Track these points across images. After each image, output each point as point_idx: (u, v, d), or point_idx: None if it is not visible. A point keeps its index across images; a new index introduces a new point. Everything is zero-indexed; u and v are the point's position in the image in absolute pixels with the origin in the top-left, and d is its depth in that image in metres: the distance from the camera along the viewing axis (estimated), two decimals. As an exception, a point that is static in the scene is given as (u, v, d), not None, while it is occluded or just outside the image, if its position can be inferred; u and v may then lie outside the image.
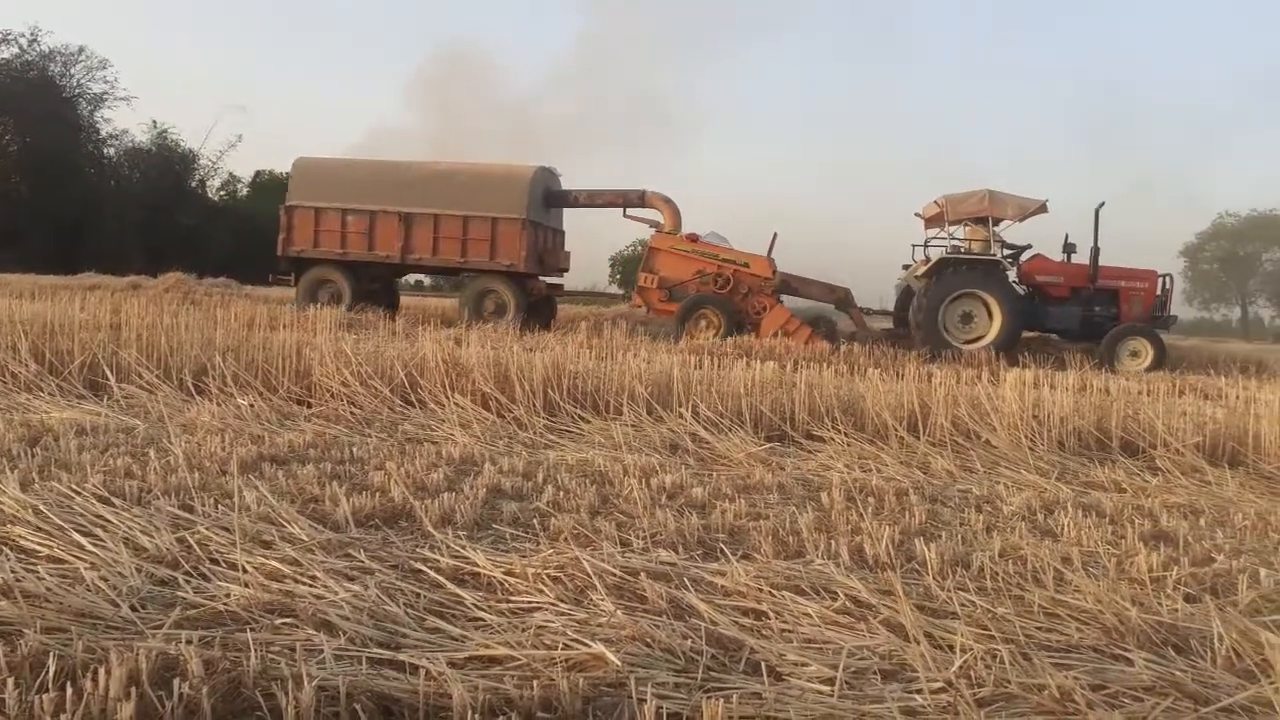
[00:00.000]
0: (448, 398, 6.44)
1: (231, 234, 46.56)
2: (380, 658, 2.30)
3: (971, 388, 6.98)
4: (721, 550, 3.36)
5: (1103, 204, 15.68)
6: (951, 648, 2.45)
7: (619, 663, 2.29)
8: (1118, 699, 2.24)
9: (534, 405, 6.38)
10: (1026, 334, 16.34)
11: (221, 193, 54.39)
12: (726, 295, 15.60)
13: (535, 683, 2.15)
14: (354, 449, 5.01)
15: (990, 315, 15.47)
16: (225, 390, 6.48)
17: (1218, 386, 10.30)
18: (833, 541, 3.52)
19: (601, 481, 4.54)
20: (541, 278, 17.36)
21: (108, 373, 6.57)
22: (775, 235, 16.36)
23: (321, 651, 2.28)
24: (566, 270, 18.62)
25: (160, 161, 49.45)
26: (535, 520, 3.70)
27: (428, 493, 4.07)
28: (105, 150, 49.79)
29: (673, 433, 5.93)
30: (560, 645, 2.40)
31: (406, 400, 6.61)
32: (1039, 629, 2.69)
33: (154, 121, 50.68)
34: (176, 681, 2.01)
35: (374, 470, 4.47)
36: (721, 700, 2.06)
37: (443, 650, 2.37)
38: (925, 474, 5.26)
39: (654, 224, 16.73)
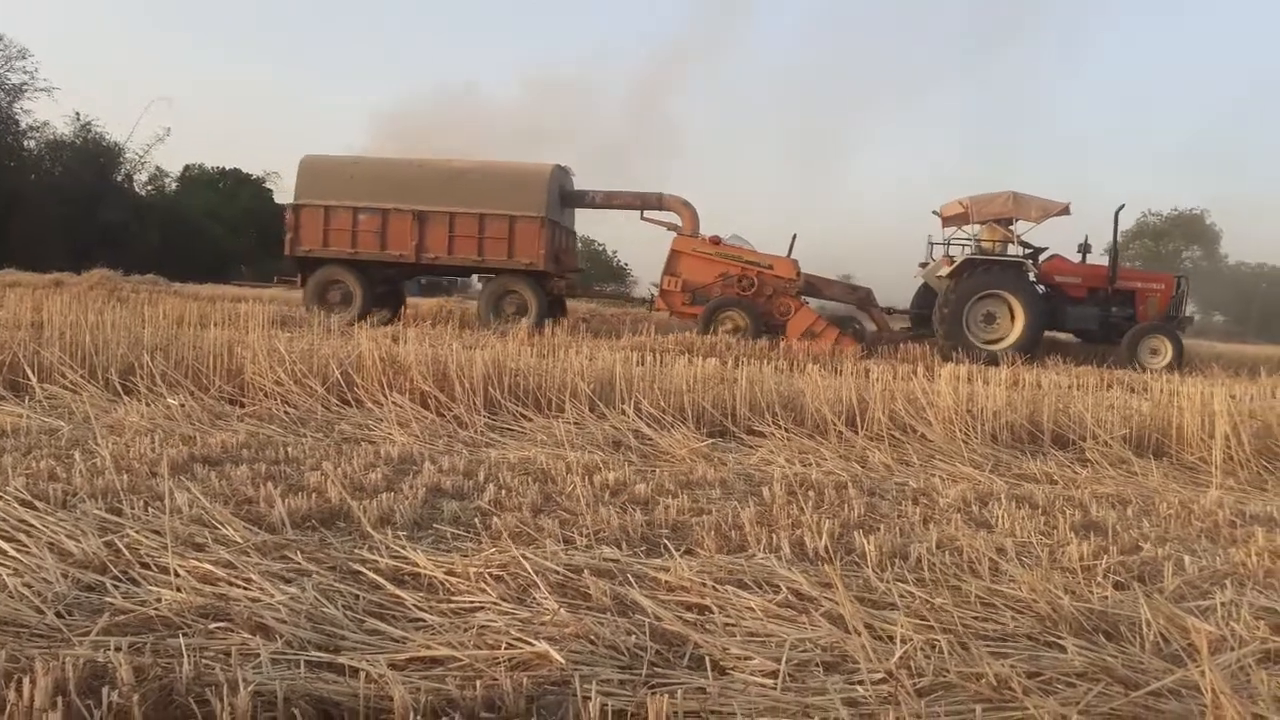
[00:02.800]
0: (385, 396, 6.35)
1: (160, 230, 45.30)
2: (319, 661, 2.26)
3: (908, 383, 7.10)
4: (665, 546, 3.36)
5: (1123, 206, 16.13)
6: (891, 638, 2.49)
7: (563, 661, 2.28)
8: (1052, 685, 2.29)
9: (474, 403, 6.32)
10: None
11: (149, 187, 52.84)
12: (750, 298, 15.54)
13: (478, 683, 2.13)
14: (289, 449, 4.91)
15: (1013, 316, 15.64)
16: (154, 390, 6.30)
17: (1143, 380, 10.64)
18: (774, 535, 3.55)
19: (544, 479, 4.52)
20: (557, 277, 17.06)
21: (29, 372, 6.34)
22: (795, 236, 16.33)
23: (257, 655, 2.23)
24: (580, 270, 18.28)
25: (84, 155, 47.84)
26: (477, 519, 3.67)
27: (366, 493, 4.00)
28: (25, 143, 48.05)
29: (615, 429, 5.92)
30: (503, 644, 2.38)
31: (343, 399, 6.50)
32: (976, 618, 2.74)
33: (77, 114, 48.94)
34: (106, 690, 1.95)
35: (310, 470, 4.38)
36: (666, 696, 2.05)
37: (383, 652, 2.33)
38: (863, 468, 5.33)
39: (672, 227, 16.54)
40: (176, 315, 9.87)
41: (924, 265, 17.61)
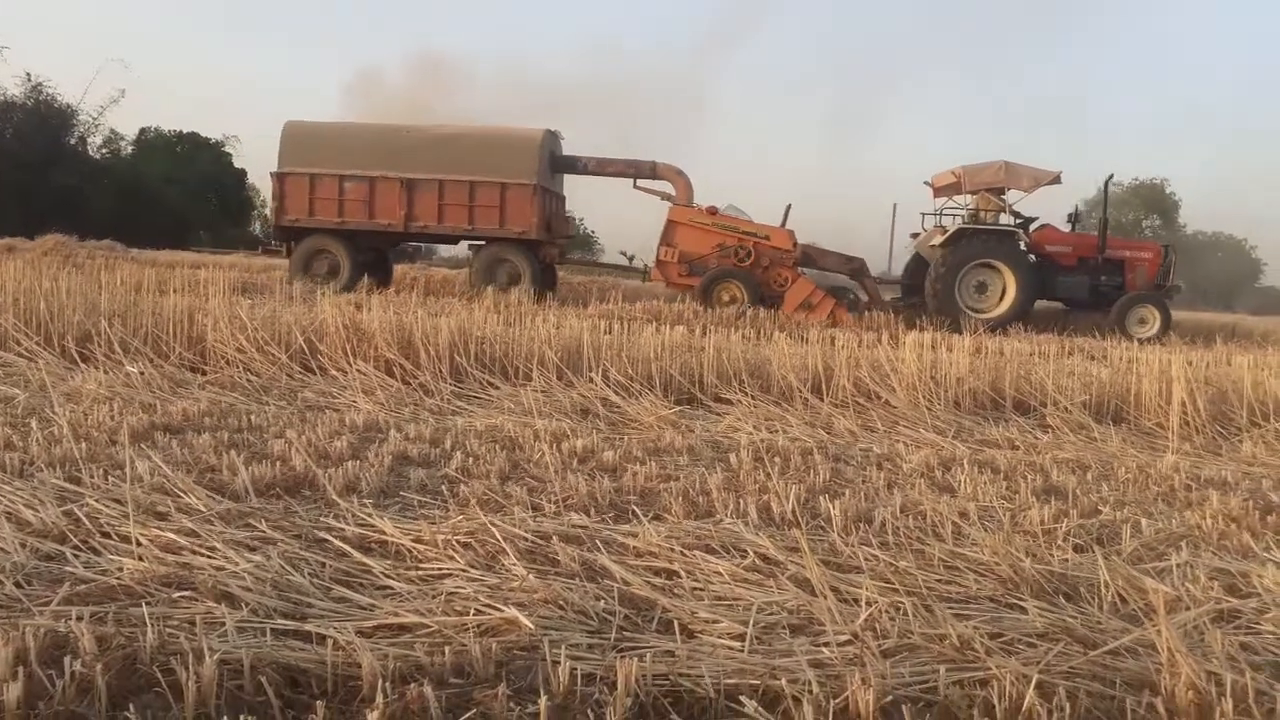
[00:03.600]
0: (349, 364, 6.28)
1: (115, 194, 44.26)
2: (285, 629, 2.24)
3: (872, 350, 7.15)
4: (633, 512, 3.37)
5: (1111, 176, 16.22)
6: (857, 601, 2.52)
7: (532, 626, 2.28)
8: (1014, 646, 2.34)
9: (440, 371, 6.28)
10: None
11: (104, 151, 51.51)
12: (748, 268, 15.39)
13: (447, 649, 2.12)
14: (252, 417, 4.85)
15: (1004, 285, 15.70)
16: (112, 357, 6.19)
17: (1103, 348, 10.81)
18: (741, 501, 3.57)
19: (511, 447, 4.51)
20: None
21: (-18, 340, 6.21)
22: (789, 207, 16.18)
23: (223, 624, 2.21)
24: (572, 237, 17.89)
25: (35, 117, 46.43)
26: (444, 487, 3.65)
27: (331, 461, 3.97)
28: (-27, 105, 46.63)
29: (583, 397, 5.91)
30: (472, 611, 2.38)
31: (306, 367, 6.43)
32: (939, 581, 2.78)
33: (28, 74, 47.37)
34: (68, 659, 1.92)
35: (274, 438, 4.33)
36: (635, 659, 2.07)
37: (350, 619, 2.32)
38: (829, 434, 5.37)
39: (666, 196, 16.31)
40: (134, 281, 9.69)
41: (915, 236, 17.66)
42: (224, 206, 52.25)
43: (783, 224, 15.96)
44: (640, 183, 16.67)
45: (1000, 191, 16.21)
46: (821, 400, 6.14)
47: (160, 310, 6.89)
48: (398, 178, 15.93)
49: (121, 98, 50.82)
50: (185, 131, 54.89)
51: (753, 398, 6.06)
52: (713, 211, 15.87)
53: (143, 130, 53.99)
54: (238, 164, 54.09)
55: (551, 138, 16.67)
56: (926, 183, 17.39)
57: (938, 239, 16.14)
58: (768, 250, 15.57)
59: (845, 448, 5.01)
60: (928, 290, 15.99)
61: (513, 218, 15.87)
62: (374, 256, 17.43)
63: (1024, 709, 1.96)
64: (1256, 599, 2.74)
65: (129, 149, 53.00)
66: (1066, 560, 3.00)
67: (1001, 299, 15.71)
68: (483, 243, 16.49)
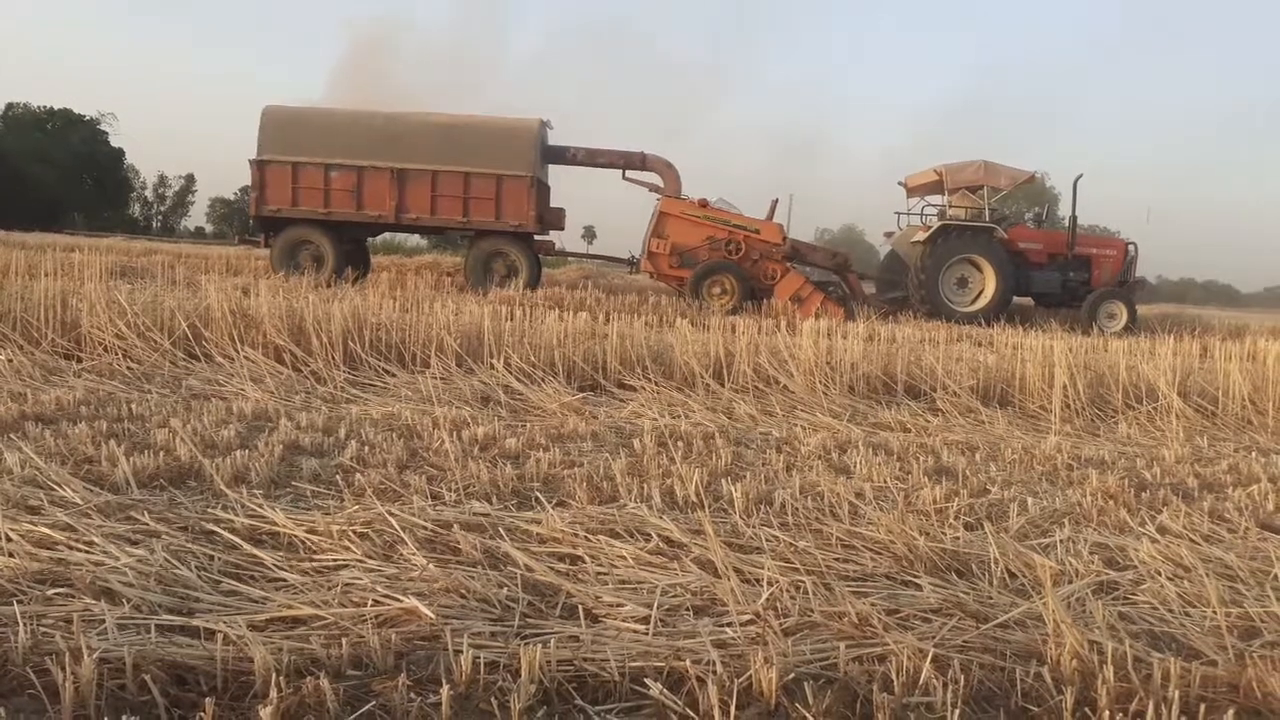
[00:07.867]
0: (237, 351, 6.06)
1: (-21, 174, 41.77)
2: (171, 624, 2.14)
3: (771, 337, 7.26)
4: (536, 498, 3.34)
5: (1080, 176, 16.73)
6: (759, 581, 2.55)
7: (433, 615, 2.23)
8: (909, 621, 2.40)
9: (333, 358, 6.11)
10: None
11: (-35, 127, 48.55)
12: (738, 261, 15.27)
13: (344, 641, 2.06)
14: (133, 406, 4.63)
15: (985, 280, 16.05)
16: (-23, 344, 5.81)
17: (989, 335, 11.23)
18: (645, 485, 3.57)
19: (409, 435, 4.41)
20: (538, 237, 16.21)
21: None
22: (775, 201, 16.06)
23: (102, 621, 2.09)
24: (563, 229, 17.43)
25: (-113, 89, 43.49)
26: (338, 476, 3.55)
27: (218, 451, 3.81)
28: None
29: (484, 384, 5.83)
30: (370, 601, 2.31)
31: (190, 354, 6.17)
32: (837, 560, 2.83)
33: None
34: (-73, 664, 1.79)
35: (157, 428, 4.14)
36: (539, 646, 2.04)
37: (241, 613, 2.23)
38: (730, 418, 5.43)
39: (654, 188, 16.03)
40: (1, 265, 9.14)
41: (889, 234, 18.10)
42: (100, 187, 49.81)
43: (769, 217, 16.01)
44: (629, 174, 16.43)
45: (976, 189, 16.68)
46: (722, 386, 6.20)
47: (30, 295, 6.50)
48: (388, 167, 15.30)
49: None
50: (56, 108, 52.12)
51: (656, 384, 6.09)
52: (704, 204, 15.75)
53: (10, 106, 51.06)
54: (115, 143, 51.62)
55: (542, 128, 16.27)
56: (900, 183, 17.84)
57: (920, 236, 16.52)
58: (757, 244, 15.50)
59: (746, 432, 5.07)
60: (912, 285, 16.38)
61: (509, 210, 15.46)
62: (354, 245, 16.78)
63: (920, 682, 2.01)
64: (1133, 571, 2.88)
65: (-6, 125, 50.03)
66: (958, 538, 3.10)
67: (981, 294, 16.21)
68: (473, 236, 16.02)
